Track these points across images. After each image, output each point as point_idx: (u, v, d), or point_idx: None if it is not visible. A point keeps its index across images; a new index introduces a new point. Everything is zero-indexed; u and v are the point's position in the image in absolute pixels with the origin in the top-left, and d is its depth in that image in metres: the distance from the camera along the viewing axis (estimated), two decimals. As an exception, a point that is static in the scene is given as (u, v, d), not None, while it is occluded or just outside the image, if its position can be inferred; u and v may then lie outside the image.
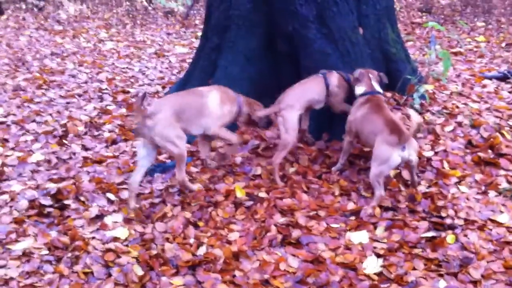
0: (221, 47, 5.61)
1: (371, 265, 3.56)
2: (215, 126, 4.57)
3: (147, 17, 13.29)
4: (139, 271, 3.54)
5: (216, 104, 4.57)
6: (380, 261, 3.60)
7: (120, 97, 6.88)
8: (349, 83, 4.81)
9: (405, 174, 4.49)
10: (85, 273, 3.57)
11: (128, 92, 7.10)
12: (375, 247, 3.75)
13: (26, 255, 3.72)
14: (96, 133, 5.80)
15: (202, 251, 3.75)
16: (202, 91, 4.64)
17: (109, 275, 3.57)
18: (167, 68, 8.49)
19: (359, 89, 4.66)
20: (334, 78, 4.79)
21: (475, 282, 3.37)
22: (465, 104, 5.87)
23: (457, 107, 5.72)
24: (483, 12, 12.56)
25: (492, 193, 4.38)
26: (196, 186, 4.53)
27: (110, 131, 5.79)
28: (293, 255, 3.71)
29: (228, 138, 4.70)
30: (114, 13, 13.75)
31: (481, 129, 5.26)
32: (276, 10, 5.29)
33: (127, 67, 8.48)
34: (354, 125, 4.54)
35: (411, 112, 4.15)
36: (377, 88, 4.66)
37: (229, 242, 3.85)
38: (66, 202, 4.40)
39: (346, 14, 5.28)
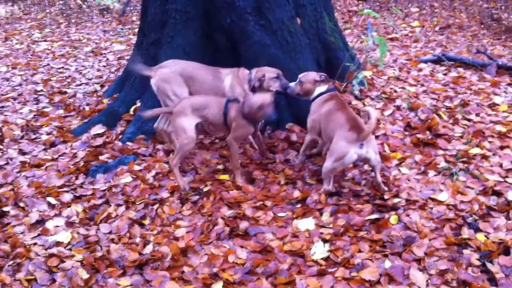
0: (160, 43, 5.53)
1: (319, 251, 3.59)
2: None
3: (82, 16, 12.95)
4: (84, 275, 3.45)
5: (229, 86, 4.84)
6: (327, 246, 3.64)
7: (57, 98, 6.70)
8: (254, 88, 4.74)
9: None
10: (28, 280, 3.46)
11: (65, 92, 6.91)
12: (321, 233, 3.78)
13: (-35, 266, 3.57)
14: (33, 136, 5.62)
15: (148, 249, 3.69)
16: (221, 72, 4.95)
17: (53, 280, 3.46)
18: (105, 66, 8.29)
19: (320, 89, 4.59)
20: (233, 108, 4.46)
21: (419, 260, 3.44)
22: (403, 88, 6.01)
23: (395, 91, 5.85)
24: (416, -2, 12.91)
25: (431, 173, 4.49)
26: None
27: (48, 134, 5.63)
28: (242, 247, 3.70)
29: None
30: (47, 13, 13.35)
31: (418, 112, 5.40)
32: (213, 3, 5.24)
33: (63, 67, 8.26)
34: (319, 122, 4.48)
35: (370, 109, 4.14)
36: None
37: (176, 239, 3.81)
38: (4, 209, 4.26)
39: (283, 5, 5.30)
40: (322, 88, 4.60)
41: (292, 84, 4.69)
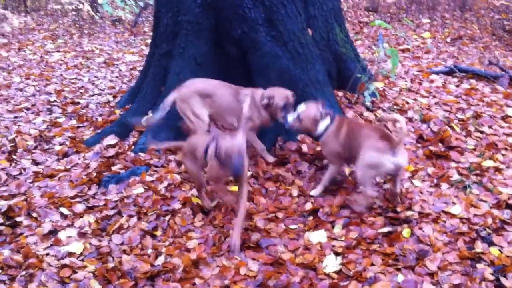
0: (172, 53, 5.56)
1: (331, 264, 3.57)
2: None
3: (94, 26, 13.06)
4: (96, 286, 3.46)
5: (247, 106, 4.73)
6: (339, 259, 3.62)
7: (70, 109, 6.74)
8: None
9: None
10: (41, 291, 3.47)
11: (78, 103, 6.96)
12: (333, 246, 3.76)
13: (-22, 276, 3.58)
14: (46, 146, 5.65)
15: (160, 261, 3.69)
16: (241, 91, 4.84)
17: (66, 291, 3.47)
18: (117, 77, 8.35)
19: (325, 122, 4.40)
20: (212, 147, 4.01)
21: (432, 274, 3.41)
22: (415, 99, 6.00)
23: (407, 102, 5.84)
24: (427, 9, 12.88)
25: (444, 186, 4.47)
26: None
27: (61, 144, 5.66)
28: (253, 259, 3.69)
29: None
30: (60, 24, 13.46)
31: (431, 123, 5.38)
32: (224, 14, 5.27)
33: (76, 78, 8.32)
34: (342, 147, 4.31)
35: (397, 116, 4.06)
36: None
37: (188, 250, 3.80)
38: (17, 219, 4.26)
39: (294, 16, 5.31)
40: (327, 121, 4.43)
41: (290, 119, 4.49)
